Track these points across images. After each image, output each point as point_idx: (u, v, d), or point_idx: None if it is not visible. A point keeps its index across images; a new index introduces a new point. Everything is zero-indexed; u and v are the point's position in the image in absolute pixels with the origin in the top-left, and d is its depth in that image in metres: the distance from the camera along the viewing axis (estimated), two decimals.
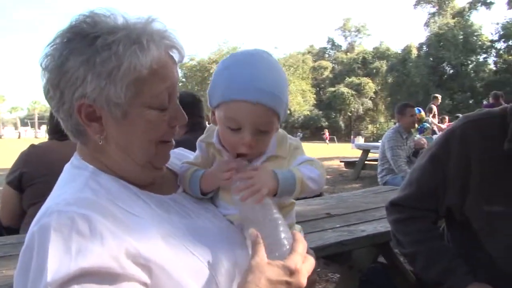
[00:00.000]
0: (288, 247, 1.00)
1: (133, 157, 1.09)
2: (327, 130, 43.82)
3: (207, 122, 4.16)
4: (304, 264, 1.00)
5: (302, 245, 1.01)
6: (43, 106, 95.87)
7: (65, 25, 1.03)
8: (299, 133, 47.87)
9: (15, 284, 0.94)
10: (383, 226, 2.34)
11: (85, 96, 1.00)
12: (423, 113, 12.14)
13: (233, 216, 1.19)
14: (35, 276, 0.87)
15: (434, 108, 13.26)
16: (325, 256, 2.27)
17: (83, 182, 1.05)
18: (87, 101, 1.01)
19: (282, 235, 1.01)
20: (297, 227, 1.32)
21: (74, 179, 1.07)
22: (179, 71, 1.17)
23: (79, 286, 0.85)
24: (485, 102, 11.95)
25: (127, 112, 1.03)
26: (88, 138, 1.09)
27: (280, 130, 1.23)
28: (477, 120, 1.70)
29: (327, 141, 41.11)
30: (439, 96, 13.91)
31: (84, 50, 0.99)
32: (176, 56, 1.11)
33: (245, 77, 1.08)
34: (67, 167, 1.15)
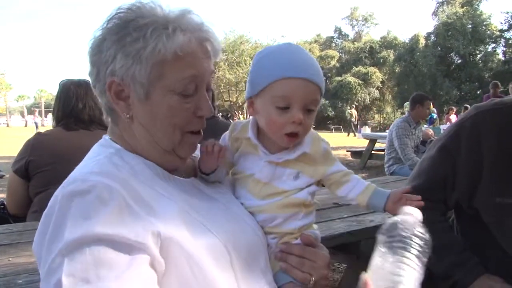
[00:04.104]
0: None
1: (157, 140, 1.13)
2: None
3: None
4: None
5: None
6: (49, 94, 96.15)
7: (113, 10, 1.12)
8: None
9: (35, 247, 0.98)
10: (391, 217, 2.32)
11: (114, 74, 1.07)
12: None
13: (256, 207, 1.23)
14: (51, 239, 0.91)
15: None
16: (333, 246, 2.25)
17: (107, 157, 1.09)
18: (116, 79, 1.07)
19: None
20: (315, 226, 1.35)
21: (98, 154, 1.12)
22: None
23: (90, 250, 0.88)
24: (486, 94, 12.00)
25: (150, 92, 1.08)
26: (118, 117, 1.14)
27: (313, 131, 1.28)
28: (489, 110, 1.67)
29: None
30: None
31: (118, 31, 1.06)
32: (210, 48, 1.14)
33: (293, 58, 1.16)
34: (94, 146, 1.20)
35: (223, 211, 1.17)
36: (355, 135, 29.22)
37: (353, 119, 33.76)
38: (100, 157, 1.10)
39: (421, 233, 0.94)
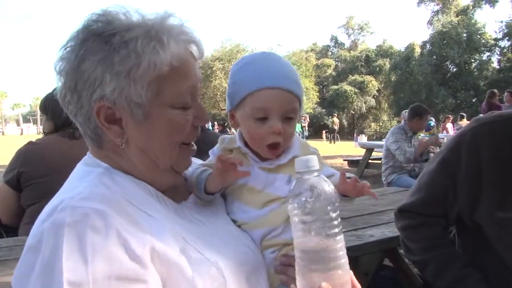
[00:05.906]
0: None
1: (156, 160, 1.05)
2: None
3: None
4: None
5: None
6: None
7: (78, 26, 0.99)
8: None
9: (15, 281, 0.88)
10: (391, 230, 2.28)
11: (104, 98, 0.96)
12: None
13: (253, 222, 1.19)
14: (42, 273, 0.82)
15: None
16: None
17: (97, 178, 1.01)
18: (106, 102, 0.97)
19: None
20: None
21: (86, 175, 1.03)
22: None
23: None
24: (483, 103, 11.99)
25: (149, 112, 0.99)
26: (105, 142, 1.04)
27: (299, 137, 1.30)
28: (489, 123, 1.64)
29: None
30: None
31: (100, 49, 0.95)
32: (195, 51, 1.06)
33: (267, 68, 1.16)
34: (79, 165, 1.11)
35: (221, 236, 1.12)
36: (334, 143, 30.28)
37: (335, 127, 34.69)
38: (89, 178, 1.01)
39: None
